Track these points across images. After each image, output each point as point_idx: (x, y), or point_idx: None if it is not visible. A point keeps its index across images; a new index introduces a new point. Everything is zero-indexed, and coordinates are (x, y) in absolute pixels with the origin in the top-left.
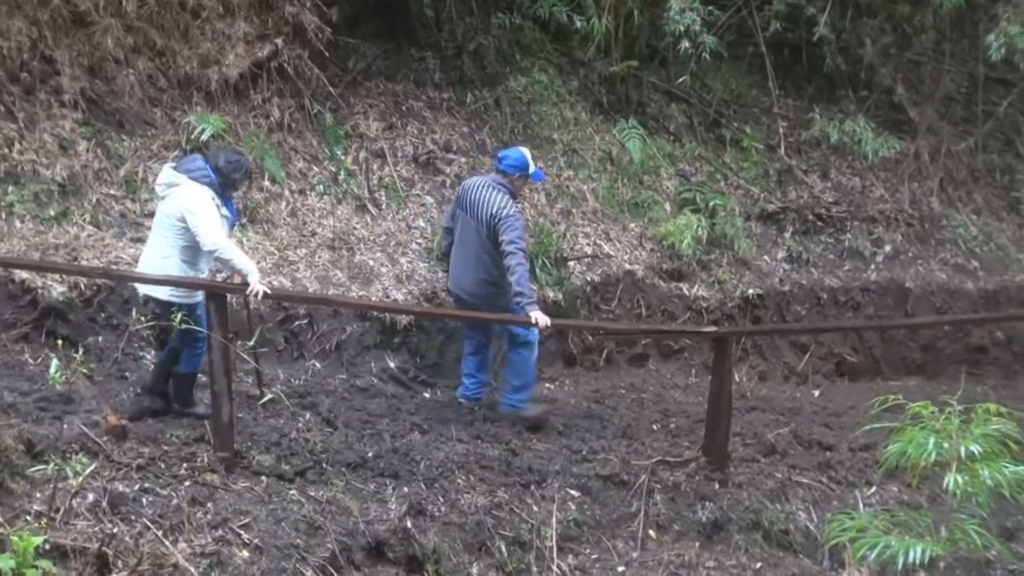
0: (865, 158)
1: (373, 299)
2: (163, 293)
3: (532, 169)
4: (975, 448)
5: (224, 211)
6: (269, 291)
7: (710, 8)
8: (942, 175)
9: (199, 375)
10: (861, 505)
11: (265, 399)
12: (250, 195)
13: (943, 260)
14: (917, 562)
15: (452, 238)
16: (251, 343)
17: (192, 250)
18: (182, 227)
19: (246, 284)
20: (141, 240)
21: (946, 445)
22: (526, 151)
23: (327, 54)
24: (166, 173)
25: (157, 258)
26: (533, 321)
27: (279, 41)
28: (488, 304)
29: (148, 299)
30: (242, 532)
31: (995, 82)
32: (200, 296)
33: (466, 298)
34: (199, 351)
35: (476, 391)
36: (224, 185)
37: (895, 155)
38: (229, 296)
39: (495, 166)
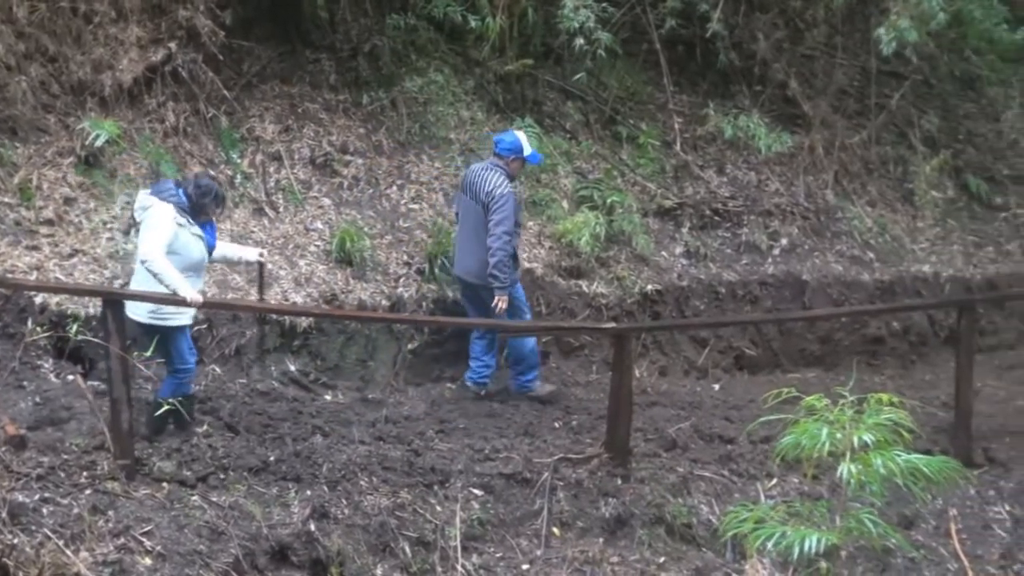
0: (759, 152)
1: (272, 302)
2: (142, 315)
3: (528, 151)
4: (868, 438)
5: (195, 231)
6: (201, 298)
7: (604, 5)
8: (837, 168)
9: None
10: (763, 497)
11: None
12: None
13: (839, 252)
14: (813, 551)
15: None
16: (148, 352)
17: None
18: None
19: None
20: (36, 248)
21: (839, 436)
22: (520, 134)
23: (221, 57)
24: (140, 197)
25: (147, 282)
26: (495, 303)
27: (173, 45)
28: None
29: (130, 322)
30: (144, 539)
31: (887, 75)
32: (181, 320)
33: (470, 280)
34: (180, 378)
35: (482, 375)
36: (195, 210)
37: (790, 149)
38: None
39: (492, 150)
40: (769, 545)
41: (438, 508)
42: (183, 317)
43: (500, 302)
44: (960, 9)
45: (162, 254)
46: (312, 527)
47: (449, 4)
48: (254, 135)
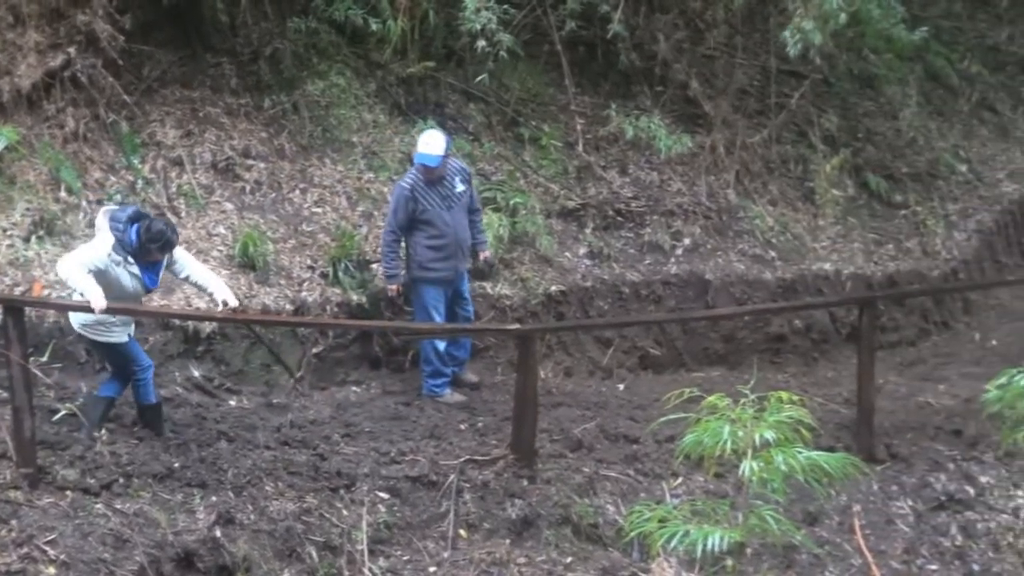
0: (661, 153)
1: (174, 308)
2: (75, 325)
3: (418, 149)
4: (769, 435)
5: (132, 269)
6: (104, 304)
7: (505, 7)
8: (738, 167)
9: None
10: (668, 496)
11: (60, 414)
12: (47, 207)
13: (741, 251)
14: (716, 549)
15: None
16: (44, 358)
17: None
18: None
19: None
20: None
21: (741, 434)
22: (425, 133)
23: (121, 62)
24: (100, 215)
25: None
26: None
27: (72, 50)
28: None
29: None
30: (48, 549)
31: (787, 74)
32: (113, 338)
33: None
34: (142, 379)
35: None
36: (139, 252)
37: (691, 149)
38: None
39: None
40: (672, 544)
41: (344, 512)
42: (116, 335)
43: (389, 291)
44: (859, 9)
45: (76, 267)
46: (218, 533)
47: (350, 7)
48: (155, 140)
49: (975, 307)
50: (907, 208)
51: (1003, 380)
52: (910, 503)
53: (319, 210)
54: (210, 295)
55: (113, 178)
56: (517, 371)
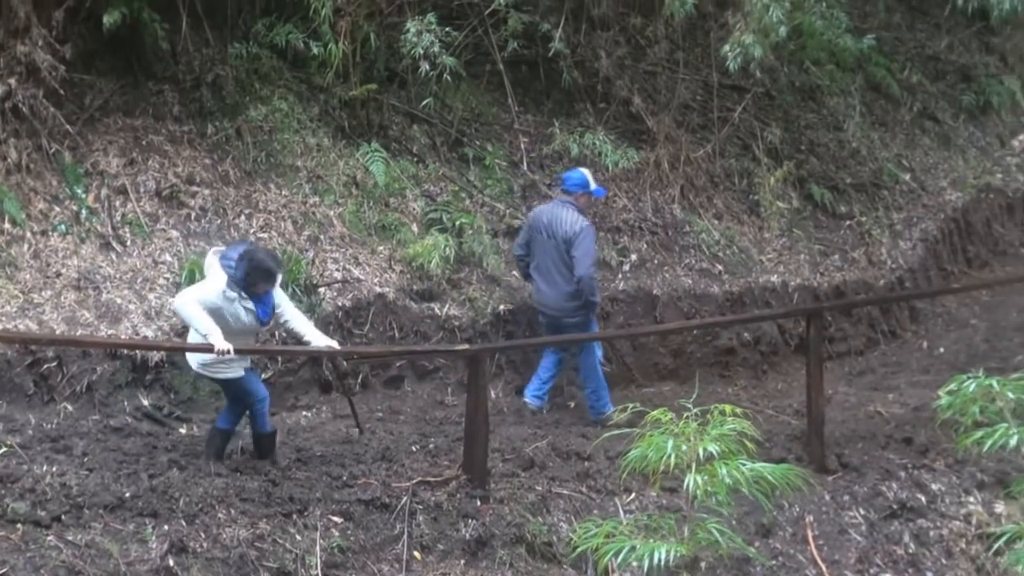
0: (606, 169)
1: (123, 337)
2: (194, 365)
3: (593, 187)
4: (713, 448)
5: (247, 304)
6: (231, 348)
7: (447, 29)
8: (683, 182)
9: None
10: (621, 512)
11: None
12: None
13: (688, 266)
14: (662, 563)
15: (525, 263)
16: None
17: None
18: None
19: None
20: None
21: (685, 448)
22: (586, 171)
23: (63, 92)
24: (209, 255)
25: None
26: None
27: (12, 81)
28: (573, 315)
29: None
30: None
31: (729, 88)
32: (231, 373)
33: (553, 314)
34: (260, 409)
35: (536, 390)
36: (245, 284)
37: (636, 164)
38: None
39: (560, 188)
40: (618, 560)
41: (298, 537)
42: (234, 370)
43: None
44: (801, 21)
45: (192, 304)
46: (171, 562)
47: (291, 31)
48: (98, 169)
49: (922, 315)
50: (852, 218)
51: (953, 386)
52: (863, 512)
53: (265, 235)
54: (307, 343)
55: (57, 208)
56: (468, 391)
